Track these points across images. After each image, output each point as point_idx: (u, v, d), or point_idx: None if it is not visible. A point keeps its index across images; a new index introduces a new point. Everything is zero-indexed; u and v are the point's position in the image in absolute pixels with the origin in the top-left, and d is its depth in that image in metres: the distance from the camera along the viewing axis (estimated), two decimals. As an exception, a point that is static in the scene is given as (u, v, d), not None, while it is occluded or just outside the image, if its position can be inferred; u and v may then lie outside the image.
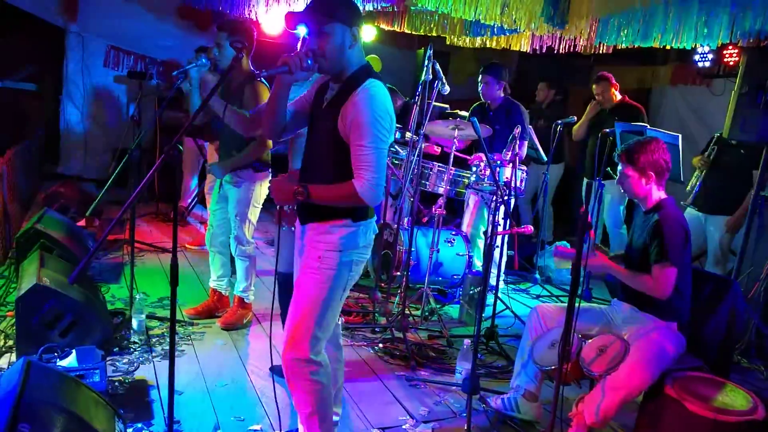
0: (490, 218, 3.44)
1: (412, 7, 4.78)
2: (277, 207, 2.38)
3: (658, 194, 2.67)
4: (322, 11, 2.03)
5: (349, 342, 3.60)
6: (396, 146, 4.71)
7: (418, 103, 3.88)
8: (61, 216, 4.36)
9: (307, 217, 2.22)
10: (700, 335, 2.76)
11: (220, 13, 5.44)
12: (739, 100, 3.76)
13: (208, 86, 3.64)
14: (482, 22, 3.75)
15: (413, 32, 5.36)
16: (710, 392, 2.38)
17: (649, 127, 4.38)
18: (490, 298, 3.96)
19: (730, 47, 5.24)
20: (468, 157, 4.27)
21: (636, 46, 3.88)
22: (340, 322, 2.64)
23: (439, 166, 4.37)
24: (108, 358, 3.04)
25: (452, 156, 4.19)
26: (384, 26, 5.59)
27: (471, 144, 4.83)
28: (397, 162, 4.56)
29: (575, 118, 5.21)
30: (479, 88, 4.63)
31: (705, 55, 5.80)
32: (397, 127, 4.48)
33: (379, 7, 4.61)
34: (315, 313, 2.14)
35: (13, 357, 2.98)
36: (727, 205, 4.32)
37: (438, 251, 4.22)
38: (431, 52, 3.68)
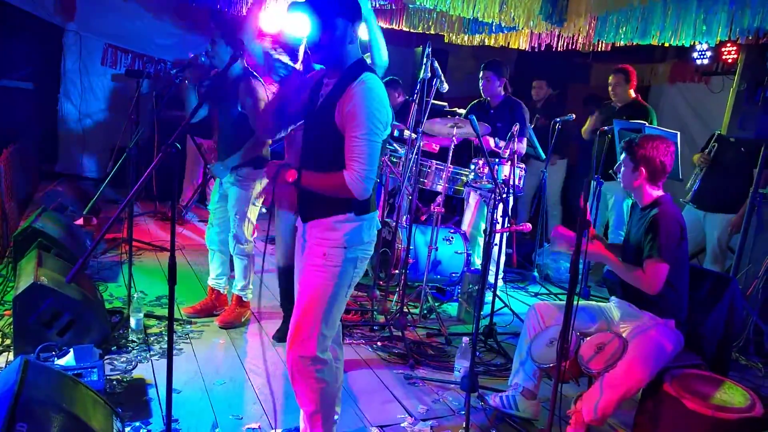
0: (489, 216, 3.44)
1: (411, 5, 4.78)
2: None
3: (653, 192, 2.67)
4: (327, 4, 2.05)
5: (348, 340, 3.60)
6: (394, 144, 4.71)
7: (417, 100, 3.88)
8: (58, 215, 4.36)
9: (309, 214, 2.21)
10: (699, 332, 2.76)
11: (218, 12, 5.43)
12: (738, 97, 3.78)
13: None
14: (480, 19, 3.75)
15: (411, 30, 5.36)
16: (708, 389, 2.38)
17: (647, 124, 4.37)
18: (488, 296, 3.96)
19: (729, 44, 5.24)
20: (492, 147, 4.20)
21: (634, 43, 3.88)
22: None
23: (437, 163, 4.37)
24: (106, 357, 3.04)
25: (450, 154, 4.19)
26: (382, 24, 5.58)
27: (470, 145, 4.83)
28: (395, 160, 4.56)
29: (573, 116, 5.21)
30: (480, 85, 4.62)
31: (703, 53, 5.80)
32: (395, 125, 4.48)
33: (378, 5, 4.61)
34: (321, 311, 2.14)
35: (11, 356, 2.97)
36: (726, 203, 4.31)
37: (436, 249, 4.22)
38: (430, 50, 3.67)
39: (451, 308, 4.45)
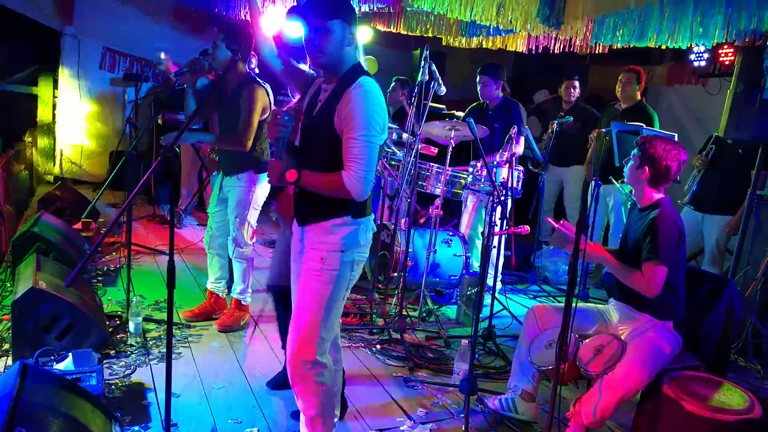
0: (487, 218, 3.44)
1: (408, 8, 4.79)
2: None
3: (653, 194, 2.68)
4: (325, 7, 2.06)
5: (347, 343, 3.60)
6: (393, 147, 4.72)
7: (415, 103, 3.88)
8: (57, 219, 4.36)
9: (306, 218, 2.21)
10: (697, 334, 2.77)
11: (216, 15, 5.44)
12: (735, 99, 3.78)
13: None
14: (478, 22, 3.76)
15: (409, 33, 5.37)
16: (707, 391, 2.39)
17: (645, 126, 4.38)
18: (487, 299, 3.96)
19: (726, 47, 5.26)
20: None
21: (631, 45, 3.89)
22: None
23: (436, 167, 4.37)
24: (105, 361, 3.03)
25: (448, 157, 4.19)
26: (380, 27, 5.60)
27: (469, 144, 4.83)
28: (394, 163, 4.56)
29: (571, 118, 5.22)
30: (478, 89, 4.64)
31: (700, 55, 5.82)
32: (393, 128, 4.48)
33: (375, 8, 4.62)
34: (320, 315, 2.15)
35: (10, 360, 2.97)
36: (724, 204, 4.32)
37: (435, 252, 4.22)
38: (427, 53, 3.68)
39: (450, 311, 4.45)
